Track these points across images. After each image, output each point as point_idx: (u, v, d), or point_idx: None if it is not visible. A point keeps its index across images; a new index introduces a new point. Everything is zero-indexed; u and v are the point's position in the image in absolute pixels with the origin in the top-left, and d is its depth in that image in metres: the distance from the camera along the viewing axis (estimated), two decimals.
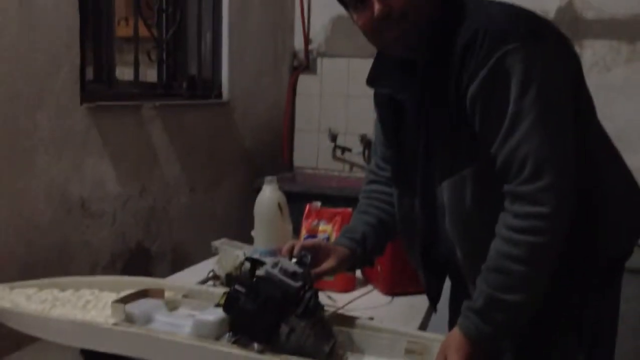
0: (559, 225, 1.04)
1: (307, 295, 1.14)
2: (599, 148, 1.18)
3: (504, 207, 1.07)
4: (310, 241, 1.35)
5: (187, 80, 2.62)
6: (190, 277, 1.69)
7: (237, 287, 1.13)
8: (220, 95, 2.78)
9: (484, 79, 1.04)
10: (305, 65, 3.32)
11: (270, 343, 1.11)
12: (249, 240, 1.82)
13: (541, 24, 1.11)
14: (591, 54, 2.76)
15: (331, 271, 1.30)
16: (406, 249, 1.32)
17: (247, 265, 1.20)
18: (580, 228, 1.09)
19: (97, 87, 2.15)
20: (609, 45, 2.76)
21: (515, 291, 1.05)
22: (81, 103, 1.98)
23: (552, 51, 1.07)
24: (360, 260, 1.35)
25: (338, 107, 3.28)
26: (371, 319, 1.33)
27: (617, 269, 1.23)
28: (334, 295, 1.59)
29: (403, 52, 1.17)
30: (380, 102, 1.28)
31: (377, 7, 1.09)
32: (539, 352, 1.19)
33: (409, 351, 1.17)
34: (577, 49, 1.22)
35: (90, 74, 2.13)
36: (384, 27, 1.11)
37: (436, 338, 1.18)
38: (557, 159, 1.04)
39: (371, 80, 1.25)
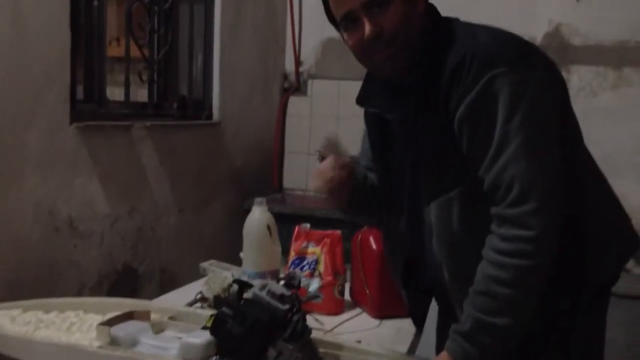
0: (546, 248, 1.05)
1: (295, 318, 1.14)
2: (586, 173, 1.20)
3: (491, 230, 1.08)
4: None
5: (177, 101, 2.63)
6: (178, 298, 1.67)
7: (224, 309, 1.12)
8: (210, 116, 2.79)
9: (472, 102, 1.05)
10: (295, 86, 3.34)
11: None
12: (238, 261, 1.81)
13: (530, 49, 1.13)
14: (578, 80, 2.80)
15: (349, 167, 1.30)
16: (390, 267, 1.32)
17: (235, 287, 1.20)
18: (568, 253, 1.10)
19: (88, 106, 2.15)
20: (595, 71, 2.80)
21: (503, 315, 1.05)
22: (71, 122, 1.98)
23: (540, 76, 1.09)
24: (357, 194, 1.33)
25: (328, 129, 3.29)
26: (358, 342, 1.33)
27: (605, 293, 1.24)
28: (322, 318, 1.58)
29: (392, 74, 1.18)
30: (369, 121, 1.30)
31: (367, 27, 1.11)
32: None
33: None
34: (564, 74, 1.24)
35: (80, 93, 2.14)
36: (374, 47, 1.13)
37: None
38: (544, 182, 1.05)
39: (361, 100, 1.26)
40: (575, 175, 1.14)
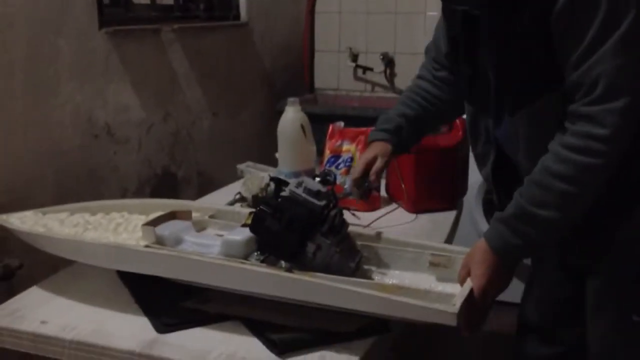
0: (615, 149, 1.01)
1: (332, 213, 1.15)
2: None
3: (564, 126, 1.03)
4: (364, 160, 1.38)
5: (204, 1, 2.57)
6: (217, 199, 1.71)
7: (262, 207, 1.14)
8: (238, 16, 2.73)
9: None
10: None
11: (297, 261, 1.13)
12: (272, 163, 1.83)
13: None
14: None
15: (386, 166, 1.39)
16: (478, 166, 1.27)
17: (272, 186, 1.21)
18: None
19: (115, 11, 2.12)
20: None
21: (550, 208, 1.03)
22: (100, 28, 1.97)
23: None
24: (397, 149, 1.40)
25: (358, 25, 3.20)
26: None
27: None
28: (359, 214, 1.61)
29: None
30: (450, 17, 1.21)
31: None
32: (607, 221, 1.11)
33: (433, 264, 1.19)
34: None
35: None
36: None
37: (461, 251, 1.19)
38: (633, 83, 0.98)
39: None
40: None
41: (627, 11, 0.97)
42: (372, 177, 1.36)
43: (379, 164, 1.36)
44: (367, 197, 1.43)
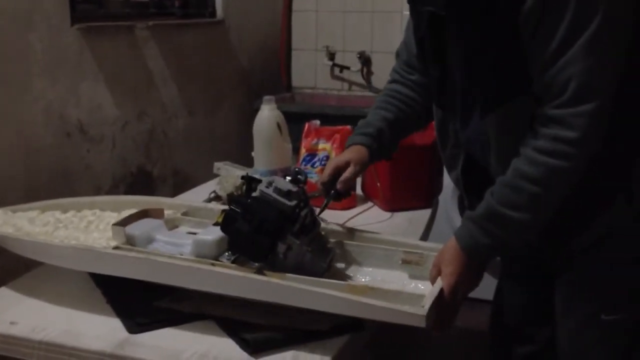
0: (585, 152, 1.01)
1: (303, 213, 1.15)
2: None
3: (533, 128, 1.03)
4: (335, 164, 1.32)
5: None
6: (192, 198, 1.70)
7: (233, 207, 1.13)
8: (214, 13, 2.72)
9: None
10: None
11: (268, 262, 1.12)
12: (249, 162, 1.82)
13: None
14: None
15: (357, 174, 1.32)
16: (447, 169, 1.27)
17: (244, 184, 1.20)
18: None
19: (87, 7, 2.11)
20: None
21: (520, 210, 1.03)
22: (72, 24, 1.94)
23: None
24: (377, 154, 1.34)
25: (335, 24, 3.20)
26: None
27: None
28: (335, 212, 1.59)
29: None
30: (418, 17, 1.19)
31: None
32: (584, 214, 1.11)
33: (405, 261, 1.19)
34: None
35: None
36: None
37: (433, 247, 1.19)
38: (601, 85, 0.99)
39: None
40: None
41: (595, 12, 0.96)
42: (339, 185, 1.30)
43: (347, 173, 1.30)
44: (339, 200, 1.37)
